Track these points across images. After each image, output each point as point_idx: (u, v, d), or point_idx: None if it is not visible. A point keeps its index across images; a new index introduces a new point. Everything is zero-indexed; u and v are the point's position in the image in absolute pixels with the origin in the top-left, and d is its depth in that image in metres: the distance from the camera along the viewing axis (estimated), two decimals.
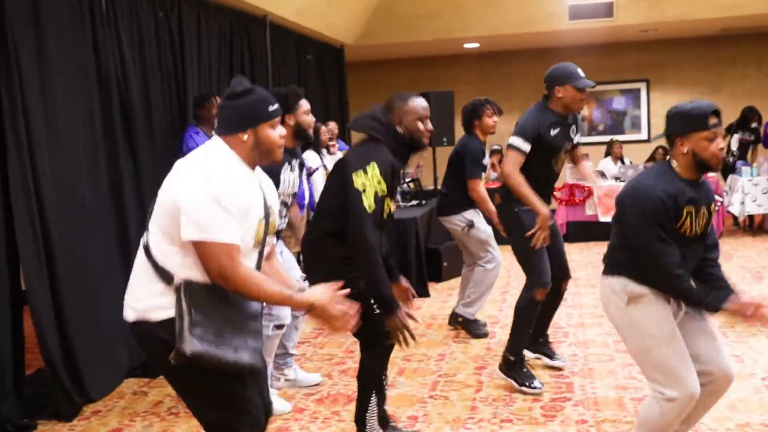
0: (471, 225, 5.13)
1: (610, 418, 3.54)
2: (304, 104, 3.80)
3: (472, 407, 3.81)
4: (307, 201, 4.82)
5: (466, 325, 5.23)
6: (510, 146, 3.92)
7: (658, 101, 11.78)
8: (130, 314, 2.32)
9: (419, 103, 3.10)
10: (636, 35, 10.67)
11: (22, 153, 3.79)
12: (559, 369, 4.29)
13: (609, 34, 10.37)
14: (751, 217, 9.27)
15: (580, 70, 3.90)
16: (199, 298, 2.20)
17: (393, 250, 4.30)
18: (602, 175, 9.28)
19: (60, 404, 3.92)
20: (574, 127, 4.06)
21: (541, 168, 3.93)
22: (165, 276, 2.23)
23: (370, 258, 2.89)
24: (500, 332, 5.21)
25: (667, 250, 2.61)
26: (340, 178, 3.03)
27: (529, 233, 3.85)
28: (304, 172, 4.23)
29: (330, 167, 6.91)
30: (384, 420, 3.30)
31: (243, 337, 2.27)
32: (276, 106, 2.35)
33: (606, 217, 8.68)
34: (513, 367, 4.02)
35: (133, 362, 4.58)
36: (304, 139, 3.86)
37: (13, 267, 3.86)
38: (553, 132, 3.90)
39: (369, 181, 2.90)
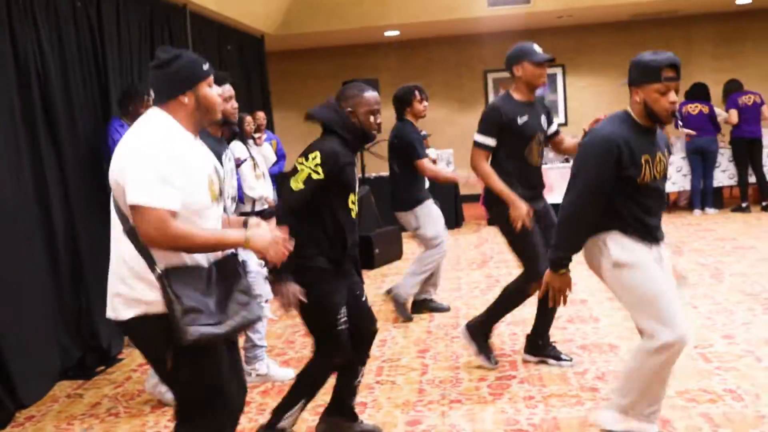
0: (418, 228, 5.19)
1: (556, 393, 3.62)
2: (224, 90, 3.72)
3: (420, 390, 3.83)
4: (236, 193, 4.73)
5: (434, 310, 5.40)
6: (473, 143, 3.92)
7: (574, 86, 12.10)
8: (126, 312, 2.24)
9: (373, 96, 3.10)
10: (552, 21, 10.91)
11: None
12: (561, 360, 4.07)
13: (527, 20, 10.56)
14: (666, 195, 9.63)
15: (536, 47, 3.90)
16: (181, 279, 2.18)
17: None
18: None
19: None
20: (544, 117, 3.99)
21: (512, 160, 3.87)
22: (149, 260, 2.19)
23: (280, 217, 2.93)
24: (438, 316, 5.27)
25: (594, 202, 2.73)
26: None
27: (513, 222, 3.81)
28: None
29: (257, 158, 6.82)
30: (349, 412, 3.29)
31: (230, 302, 2.28)
32: (208, 65, 2.38)
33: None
34: (479, 337, 4.07)
35: (65, 364, 4.41)
36: (227, 125, 3.80)
37: None
38: (521, 120, 3.84)
39: (307, 166, 2.92)
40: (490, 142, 3.87)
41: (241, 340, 4.14)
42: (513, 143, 3.87)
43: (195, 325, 2.15)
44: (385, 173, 5.33)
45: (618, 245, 2.80)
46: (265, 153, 7.34)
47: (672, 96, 2.70)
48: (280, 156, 7.40)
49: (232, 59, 8.48)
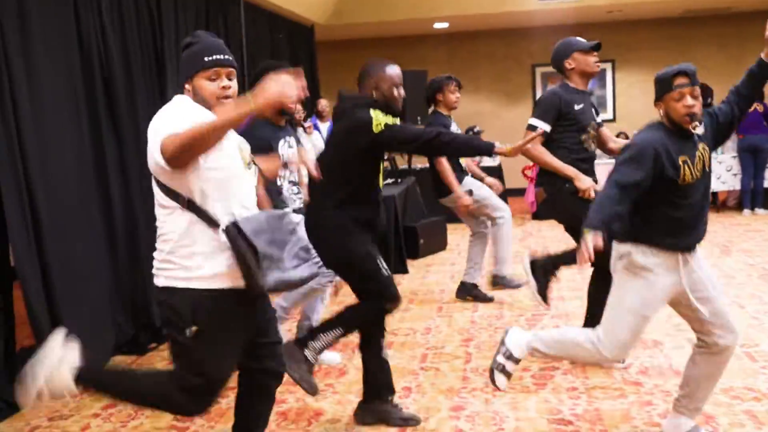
0: (470, 192, 5.30)
1: (599, 385, 3.66)
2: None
3: (464, 377, 3.89)
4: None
5: (477, 298, 5.52)
6: (528, 127, 3.94)
7: (623, 81, 11.99)
8: (178, 281, 2.40)
9: (395, 70, 3.18)
10: (602, 16, 10.83)
11: (10, 132, 3.76)
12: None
13: (576, 14, 10.50)
14: (714, 194, 9.53)
15: (578, 38, 4.00)
16: (250, 226, 2.23)
17: None
18: None
19: None
20: (593, 109, 4.05)
21: (571, 148, 3.89)
22: (211, 221, 2.27)
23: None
24: (482, 306, 5.32)
25: (625, 191, 2.73)
26: (345, 142, 3.11)
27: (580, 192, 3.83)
28: None
29: (306, 147, 6.94)
30: (388, 390, 3.37)
31: (292, 254, 2.32)
32: (216, 56, 2.32)
33: None
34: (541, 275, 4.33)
35: (119, 339, 4.56)
36: (283, 114, 3.89)
37: (2, 245, 3.83)
38: (578, 107, 3.90)
39: (383, 118, 3.02)
40: (546, 127, 3.90)
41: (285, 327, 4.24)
42: (570, 130, 3.91)
43: (272, 271, 2.20)
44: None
45: (640, 250, 2.83)
46: (314, 141, 7.45)
47: (687, 100, 2.75)
48: None
49: (283, 48, 8.60)
